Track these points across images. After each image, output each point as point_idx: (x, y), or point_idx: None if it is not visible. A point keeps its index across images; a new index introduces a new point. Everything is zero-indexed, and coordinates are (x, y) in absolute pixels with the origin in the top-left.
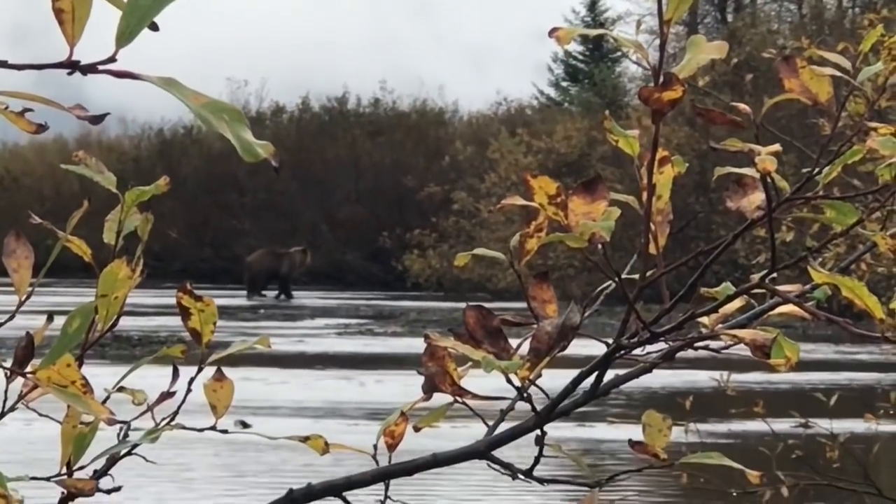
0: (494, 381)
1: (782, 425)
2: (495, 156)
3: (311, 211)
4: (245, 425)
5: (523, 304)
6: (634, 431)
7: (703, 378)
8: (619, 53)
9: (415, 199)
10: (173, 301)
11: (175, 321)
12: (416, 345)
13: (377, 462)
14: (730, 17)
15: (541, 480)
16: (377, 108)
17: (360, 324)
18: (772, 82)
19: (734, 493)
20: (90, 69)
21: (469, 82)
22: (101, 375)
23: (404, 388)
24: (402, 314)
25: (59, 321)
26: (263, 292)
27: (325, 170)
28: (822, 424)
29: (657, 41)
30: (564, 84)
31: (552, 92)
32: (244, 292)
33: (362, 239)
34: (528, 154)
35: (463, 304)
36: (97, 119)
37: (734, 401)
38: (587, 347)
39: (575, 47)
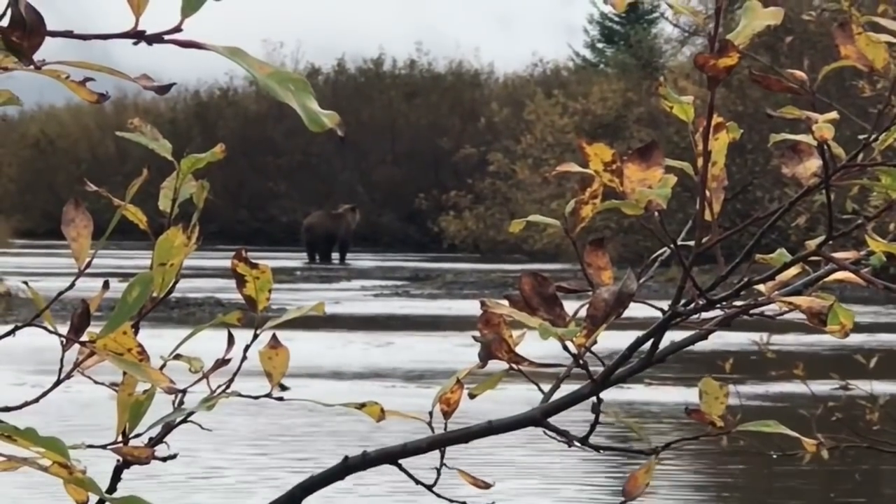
0: (545, 346)
1: (822, 387)
2: (531, 117)
3: (347, 173)
4: (283, 388)
5: (559, 266)
6: (672, 393)
7: (742, 340)
8: (655, 15)
9: (451, 160)
10: (209, 263)
11: (211, 283)
12: (452, 306)
13: (432, 429)
14: None
15: (597, 448)
16: (413, 70)
17: (396, 285)
18: (808, 44)
19: (774, 456)
20: (156, 39)
21: (499, 44)
22: (140, 339)
23: (441, 350)
24: (438, 276)
25: (116, 286)
26: (316, 255)
27: (361, 132)
28: (862, 387)
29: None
30: (600, 45)
31: (588, 53)
32: (303, 255)
33: (398, 201)
34: (564, 115)
35: (499, 266)
36: (164, 89)
37: (773, 363)
38: (637, 310)
39: (610, 8)
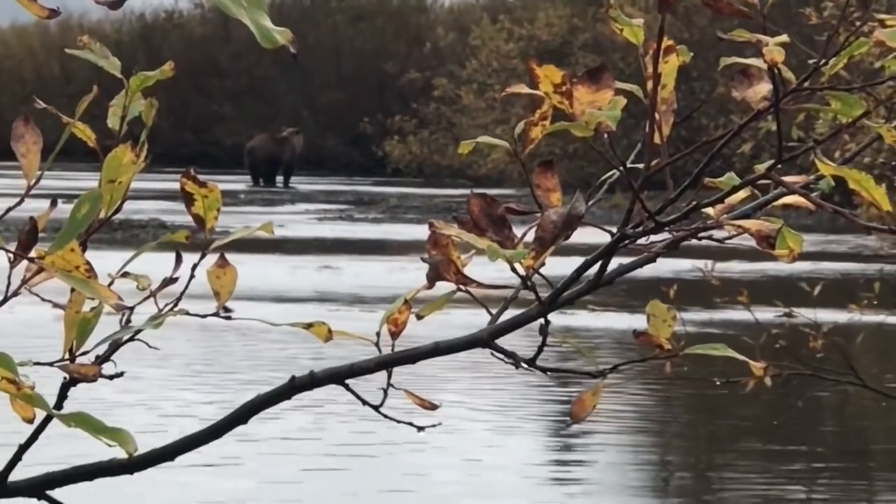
0: (495, 268)
1: (766, 314)
2: (476, 42)
3: (292, 96)
4: (227, 310)
5: (503, 191)
6: (616, 319)
7: (687, 266)
8: None
9: (396, 85)
10: (153, 185)
11: (154, 205)
12: (396, 231)
13: (380, 350)
14: None
15: (544, 370)
16: None
17: (340, 209)
18: None
19: (717, 382)
20: None
21: None
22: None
23: (384, 273)
24: (382, 200)
25: (64, 207)
26: (259, 179)
27: (306, 55)
28: (806, 314)
29: None
30: None
31: None
32: (247, 178)
33: (343, 125)
34: (510, 41)
35: (443, 190)
36: (116, 4)
37: (717, 290)
38: (587, 235)
39: None
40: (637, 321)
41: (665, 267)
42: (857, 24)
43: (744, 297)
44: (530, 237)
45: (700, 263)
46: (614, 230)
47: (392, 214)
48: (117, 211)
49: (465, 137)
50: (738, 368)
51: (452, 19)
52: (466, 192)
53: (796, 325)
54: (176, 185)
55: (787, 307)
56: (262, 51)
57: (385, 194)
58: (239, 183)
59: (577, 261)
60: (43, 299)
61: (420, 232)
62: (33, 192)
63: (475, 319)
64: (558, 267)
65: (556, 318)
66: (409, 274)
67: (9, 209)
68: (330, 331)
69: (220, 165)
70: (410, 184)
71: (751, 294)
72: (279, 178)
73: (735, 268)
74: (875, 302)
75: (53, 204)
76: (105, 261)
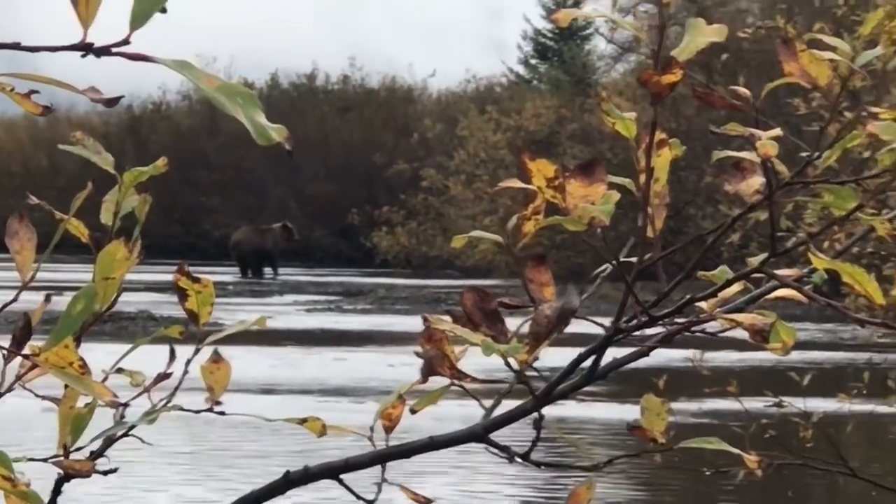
0: (488, 361)
1: (755, 404)
2: (464, 133)
3: (280, 188)
4: (219, 404)
5: (491, 282)
6: (605, 410)
7: (676, 356)
8: (588, 31)
9: (384, 176)
10: (141, 277)
11: (143, 297)
12: (384, 322)
13: (374, 444)
14: None
15: (538, 464)
16: (346, 86)
17: (328, 300)
18: (742, 62)
19: (707, 473)
20: (104, 52)
21: (432, 62)
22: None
23: (374, 365)
24: (370, 291)
25: (56, 300)
26: (248, 270)
27: (294, 146)
28: (796, 404)
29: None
30: (533, 61)
31: (521, 69)
32: (235, 269)
33: (331, 216)
34: (498, 132)
35: (431, 281)
36: (112, 102)
37: (707, 379)
38: (578, 325)
39: (544, 24)
40: (627, 411)
41: (655, 357)
42: (847, 115)
43: (733, 388)
44: (524, 330)
45: (690, 353)
46: (607, 323)
47: (381, 305)
48: (112, 306)
49: (454, 228)
50: (728, 458)
51: (440, 110)
52: (455, 282)
53: (786, 415)
54: (164, 277)
55: (777, 397)
56: (250, 143)
57: (373, 285)
58: (227, 274)
59: (568, 351)
60: (37, 395)
61: (409, 323)
62: (34, 283)
63: (465, 411)
64: (551, 357)
65: (547, 409)
66: (398, 365)
67: (4, 306)
68: (324, 426)
69: (208, 257)
70: (399, 275)
71: (740, 384)
72: (267, 270)
73: (725, 357)
74: (864, 391)
75: (47, 300)
76: (95, 353)
